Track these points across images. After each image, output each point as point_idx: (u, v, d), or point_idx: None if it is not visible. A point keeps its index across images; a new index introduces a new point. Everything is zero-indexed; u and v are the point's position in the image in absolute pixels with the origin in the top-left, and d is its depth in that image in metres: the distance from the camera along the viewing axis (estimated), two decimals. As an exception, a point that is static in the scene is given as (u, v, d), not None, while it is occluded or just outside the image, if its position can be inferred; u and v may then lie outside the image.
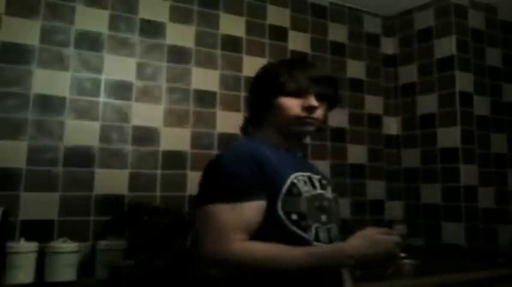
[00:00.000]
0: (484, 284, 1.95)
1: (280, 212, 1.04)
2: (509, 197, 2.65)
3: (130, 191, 1.98)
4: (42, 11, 1.90)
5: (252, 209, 1.02)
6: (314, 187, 1.14)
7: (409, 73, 2.77)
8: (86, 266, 1.80)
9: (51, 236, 1.78)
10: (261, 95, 1.19)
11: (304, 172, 1.14)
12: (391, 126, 2.82)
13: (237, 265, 0.98)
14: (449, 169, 2.47)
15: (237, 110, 2.29)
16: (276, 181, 1.06)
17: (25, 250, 1.65)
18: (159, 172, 2.05)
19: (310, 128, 1.16)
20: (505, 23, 2.84)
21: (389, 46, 2.90)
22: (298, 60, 1.31)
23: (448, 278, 1.90)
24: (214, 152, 2.19)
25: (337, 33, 2.69)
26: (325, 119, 1.22)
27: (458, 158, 2.44)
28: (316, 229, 1.08)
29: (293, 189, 1.07)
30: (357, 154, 2.64)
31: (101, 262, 1.75)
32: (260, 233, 1.02)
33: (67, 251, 1.71)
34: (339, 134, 2.59)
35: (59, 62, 1.91)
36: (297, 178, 1.10)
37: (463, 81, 2.53)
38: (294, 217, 1.05)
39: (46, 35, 1.89)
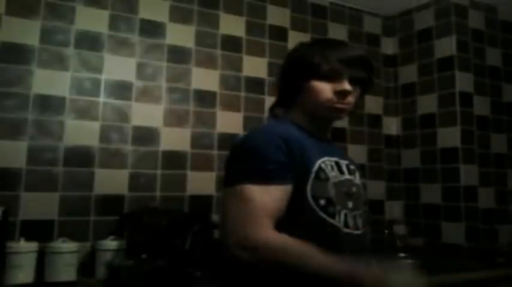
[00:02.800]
0: (484, 284, 1.95)
1: (309, 197, 1.01)
2: (509, 197, 2.65)
3: (130, 191, 1.98)
4: (42, 11, 1.90)
5: (282, 194, 0.99)
6: (342, 172, 1.11)
7: (409, 73, 2.77)
8: (86, 266, 1.80)
9: (51, 236, 1.79)
10: (292, 77, 1.14)
11: (331, 156, 1.11)
12: (391, 126, 2.82)
13: (267, 253, 0.93)
14: (449, 169, 2.47)
15: (237, 110, 2.29)
16: (305, 165, 1.03)
17: (25, 250, 1.65)
18: (159, 172, 2.05)
19: (341, 114, 1.14)
20: (505, 23, 2.84)
21: (389, 46, 2.90)
22: (332, 40, 1.22)
23: (448, 278, 1.90)
24: (214, 152, 2.19)
25: (337, 33, 2.69)
26: (357, 102, 1.17)
27: (458, 158, 2.44)
28: (345, 215, 1.06)
29: (320, 174, 1.04)
30: (357, 154, 2.64)
31: (101, 262, 1.75)
32: (288, 217, 0.99)
33: (67, 251, 1.71)
34: (339, 134, 2.59)
35: (59, 62, 1.91)
36: (325, 162, 1.07)
37: (463, 81, 2.53)
38: (322, 202, 1.02)
39: (46, 35, 1.89)
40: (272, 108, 1.22)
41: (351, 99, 1.11)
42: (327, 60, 1.08)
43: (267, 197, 0.96)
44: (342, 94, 1.09)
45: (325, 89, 1.09)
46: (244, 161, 1.01)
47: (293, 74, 1.14)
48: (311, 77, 1.10)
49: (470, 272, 1.99)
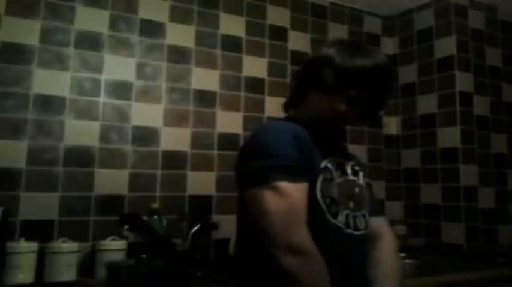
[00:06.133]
0: (484, 284, 1.95)
1: (319, 197, 1.01)
2: (509, 197, 2.65)
3: (130, 191, 1.98)
4: (42, 11, 1.90)
5: (306, 191, 0.98)
6: (345, 173, 1.11)
7: (409, 73, 2.77)
8: (86, 266, 1.80)
9: (51, 236, 1.79)
10: (299, 83, 1.15)
11: (336, 157, 1.11)
12: (391, 126, 2.82)
13: (313, 264, 0.90)
14: (449, 169, 2.47)
15: (237, 110, 2.29)
16: (314, 164, 1.03)
17: (25, 250, 1.65)
18: (159, 172, 2.05)
19: (338, 127, 1.12)
20: (505, 23, 2.84)
21: (389, 46, 2.90)
22: (353, 48, 1.09)
23: (448, 278, 1.90)
24: (214, 152, 2.19)
25: (337, 33, 2.69)
26: (366, 116, 1.12)
27: (458, 158, 2.44)
28: (347, 215, 1.05)
29: (327, 174, 1.04)
30: (356, 154, 2.64)
31: (101, 262, 1.75)
32: None
33: (67, 251, 1.71)
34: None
35: (59, 62, 1.91)
36: (331, 162, 1.07)
37: (463, 81, 2.53)
38: (328, 201, 1.02)
39: (46, 35, 1.89)
40: (285, 106, 1.21)
41: (347, 116, 1.08)
42: (331, 73, 1.05)
43: (302, 194, 0.95)
44: (336, 112, 1.06)
45: (321, 104, 1.08)
46: (266, 158, 0.97)
47: (301, 80, 1.14)
48: (314, 88, 1.09)
49: (470, 272, 1.99)
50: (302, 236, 0.91)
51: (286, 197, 0.92)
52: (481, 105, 2.60)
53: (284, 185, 0.93)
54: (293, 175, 0.95)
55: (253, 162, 0.99)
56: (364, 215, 1.12)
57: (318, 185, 1.01)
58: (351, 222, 1.06)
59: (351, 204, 1.08)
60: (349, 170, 1.13)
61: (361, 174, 1.18)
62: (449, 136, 2.49)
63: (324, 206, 1.01)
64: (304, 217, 0.94)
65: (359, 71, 1.04)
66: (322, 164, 1.05)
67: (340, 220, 1.04)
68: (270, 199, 0.93)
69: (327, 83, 1.05)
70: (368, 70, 1.04)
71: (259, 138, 1.03)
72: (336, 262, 0.98)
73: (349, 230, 1.05)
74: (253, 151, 1.02)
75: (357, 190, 1.12)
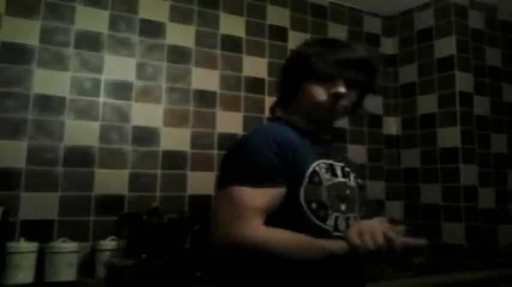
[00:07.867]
0: (484, 284, 1.95)
1: (302, 201, 1.00)
2: (509, 197, 2.65)
3: (130, 191, 1.98)
4: (42, 11, 1.90)
5: (273, 196, 0.98)
6: (335, 175, 1.09)
7: (409, 73, 2.77)
8: (86, 266, 1.80)
9: (51, 236, 1.79)
10: (290, 78, 1.15)
11: (327, 159, 1.10)
12: (391, 126, 2.82)
13: (252, 248, 0.92)
14: (449, 169, 2.47)
15: (237, 110, 2.29)
16: (299, 168, 1.02)
17: (25, 250, 1.65)
18: (159, 172, 2.05)
19: (336, 116, 1.13)
20: (505, 23, 2.84)
21: (389, 46, 2.90)
22: (334, 41, 1.17)
23: (448, 278, 1.90)
24: (214, 152, 2.19)
25: (337, 33, 2.69)
26: (357, 104, 1.14)
27: (458, 158, 2.44)
28: (336, 218, 1.04)
29: (314, 177, 1.03)
30: (357, 154, 2.64)
31: (101, 262, 1.75)
32: (281, 221, 0.97)
33: (67, 251, 1.71)
34: (339, 134, 2.59)
35: (59, 62, 1.91)
36: (319, 165, 1.06)
37: (463, 81, 2.53)
38: (314, 206, 1.01)
39: (46, 35, 1.89)
40: (272, 108, 1.21)
41: (345, 102, 1.09)
42: (322, 62, 1.07)
43: (257, 198, 0.95)
44: (335, 97, 1.06)
45: (319, 91, 1.07)
46: (236, 163, 1.00)
47: (290, 74, 1.15)
48: (306, 79, 1.09)
49: (470, 272, 1.99)
50: (241, 231, 0.92)
51: (236, 201, 0.95)
52: (481, 105, 2.60)
53: (240, 189, 0.95)
54: (256, 180, 0.96)
55: (226, 165, 1.03)
56: (355, 217, 1.11)
57: (302, 189, 1.01)
58: (342, 225, 1.05)
59: (343, 206, 1.07)
60: (339, 171, 1.12)
61: (352, 175, 1.16)
62: (449, 136, 2.49)
63: (308, 210, 1.01)
64: (256, 215, 0.95)
65: (348, 59, 1.08)
66: (310, 167, 1.04)
67: (329, 223, 1.03)
68: (220, 203, 0.98)
69: (318, 72, 1.07)
70: (355, 57, 1.10)
71: (239, 143, 1.07)
72: (322, 266, 0.97)
73: (337, 233, 1.03)
74: (230, 154, 1.06)
75: (348, 191, 1.11)
